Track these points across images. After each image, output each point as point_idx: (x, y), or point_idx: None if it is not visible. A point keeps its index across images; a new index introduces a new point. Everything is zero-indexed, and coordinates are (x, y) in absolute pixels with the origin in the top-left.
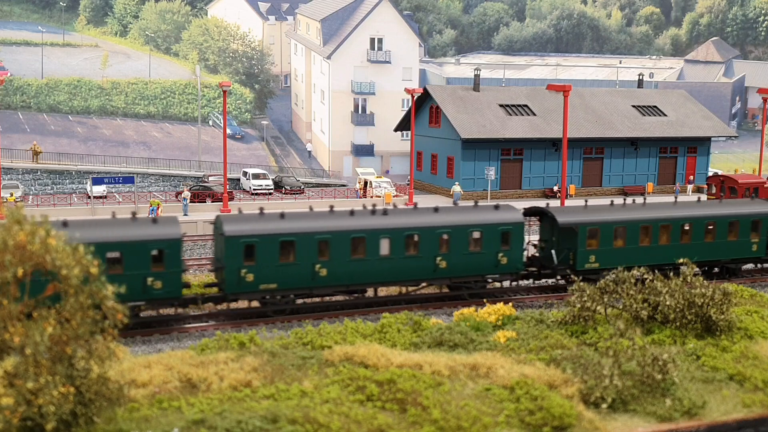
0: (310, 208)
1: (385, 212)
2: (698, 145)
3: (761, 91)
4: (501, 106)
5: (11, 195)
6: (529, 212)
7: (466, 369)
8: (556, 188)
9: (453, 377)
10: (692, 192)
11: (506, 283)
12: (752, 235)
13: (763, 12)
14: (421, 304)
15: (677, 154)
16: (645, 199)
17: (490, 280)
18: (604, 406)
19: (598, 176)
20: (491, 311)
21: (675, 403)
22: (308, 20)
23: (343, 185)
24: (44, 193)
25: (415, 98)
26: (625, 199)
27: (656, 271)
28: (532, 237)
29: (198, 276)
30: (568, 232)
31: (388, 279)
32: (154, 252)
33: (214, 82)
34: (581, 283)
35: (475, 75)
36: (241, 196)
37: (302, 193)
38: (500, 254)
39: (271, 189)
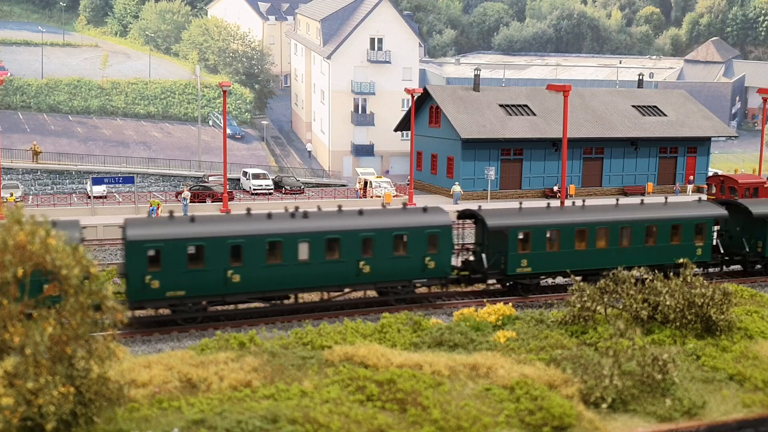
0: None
1: (305, 215)
2: (698, 145)
3: (761, 91)
4: (501, 106)
5: (11, 195)
6: (462, 215)
7: (466, 369)
8: (556, 188)
9: (453, 377)
10: (692, 192)
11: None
12: (696, 239)
13: (763, 12)
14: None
15: (677, 154)
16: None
17: (418, 285)
18: (604, 406)
19: (598, 176)
20: (491, 311)
21: (675, 403)
22: (308, 20)
23: (343, 185)
24: (44, 193)
25: (415, 98)
26: (554, 200)
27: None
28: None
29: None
30: (498, 235)
31: (308, 285)
32: None
33: (214, 82)
34: (581, 284)
35: (475, 75)
36: (241, 196)
37: (302, 193)
38: (427, 258)
39: (271, 189)
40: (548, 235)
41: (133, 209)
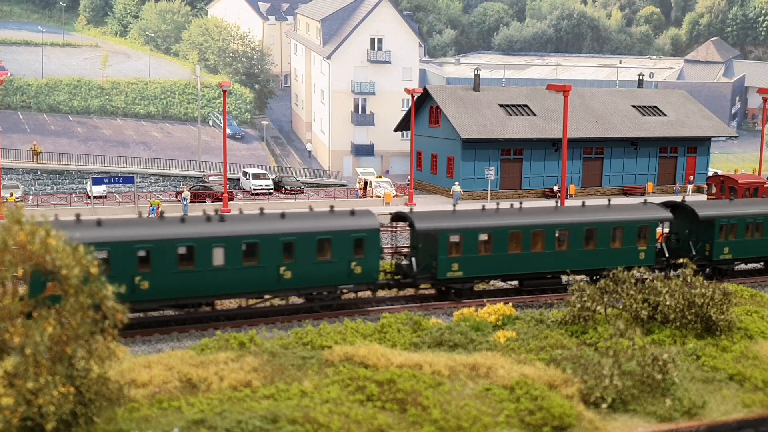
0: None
1: (222, 218)
2: (698, 145)
3: (761, 91)
4: (501, 106)
5: (11, 195)
6: (395, 218)
7: (466, 369)
8: (556, 188)
9: (453, 377)
10: (692, 192)
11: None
12: (639, 243)
13: (763, 12)
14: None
15: (677, 154)
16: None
17: (344, 291)
18: (604, 406)
19: (598, 176)
20: (491, 311)
21: (675, 403)
22: (308, 20)
23: (343, 185)
24: (44, 193)
25: (415, 98)
26: (498, 204)
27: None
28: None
29: None
30: (428, 239)
31: (224, 291)
32: None
33: (214, 82)
34: (581, 283)
35: (475, 75)
36: (241, 196)
37: (302, 193)
38: (353, 263)
39: (271, 189)
40: (480, 238)
41: (133, 209)
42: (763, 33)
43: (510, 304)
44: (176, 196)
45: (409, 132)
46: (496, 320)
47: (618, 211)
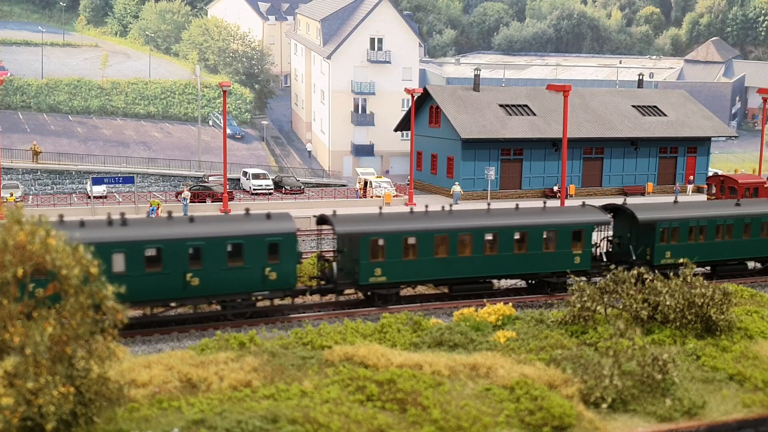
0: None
1: (123, 222)
2: (698, 145)
3: (761, 91)
4: (501, 106)
5: (11, 195)
6: (319, 221)
7: (466, 369)
8: (556, 188)
9: (453, 377)
10: (692, 192)
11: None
12: (574, 247)
13: (763, 12)
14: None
15: (677, 154)
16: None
17: (259, 298)
18: (604, 406)
19: (598, 176)
20: (491, 311)
21: (675, 403)
22: (308, 20)
23: (343, 185)
24: (44, 193)
25: (415, 98)
26: (427, 207)
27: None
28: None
29: None
30: (351, 242)
31: (125, 299)
32: None
33: (214, 82)
34: (581, 283)
35: (475, 75)
36: (241, 196)
37: (302, 193)
38: (268, 269)
39: (271, 189)
40: (405, 242)
41: (133, 209)
42: (763, 33)
43: (510, 304)
44: (176, 196)
45: (409, 132)
46: (496, 320)
47: (552, 214)
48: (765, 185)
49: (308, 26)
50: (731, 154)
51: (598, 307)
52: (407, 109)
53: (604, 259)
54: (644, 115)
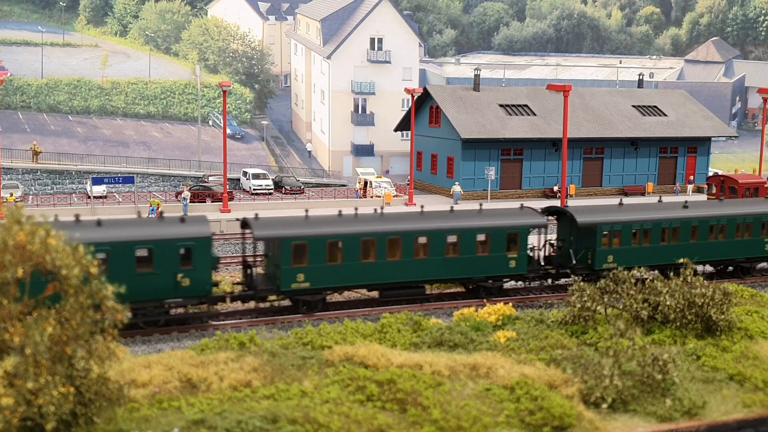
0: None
1: None
2: (698, 145)
3: (761, 91)
4: (501, 106)
5: (11, 195)
6: (242, 224)
7: (466, 369)
8: (556, 188)
9: (453, 377)
10: (692, 192)
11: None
12: (508, 250)
13: (763, 12)
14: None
15: (677, 154)
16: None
17: (171, 305)
18: (604, 406)
19: (599, 176)
20: (491, 311)
21: (675, 403)
22: (308, 20)
23: (343, 185)
24: (44, 193)
25: (415, 98)
26: (356, 210)
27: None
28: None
29: None
30: (272, 247)
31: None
32: None
33: (214, 82)
34: (581, 283)
35: (475, 75)
36: (241, 196)
37: (302, 193)
38: (180, 275)
39: (271, 189)
40: (328, 246)
41: (133, 209)
42: (763, 33)
43: (510, 304)
44: (176, 196)
45: (409, 132)
46: (496, 320)
47: (485, 217)
48: (765, 185)
49: (308, 26)
50: (731, 154)
51: (598, 307)
52: (407, 109)
53: (542, 263)
54: (644, 115)
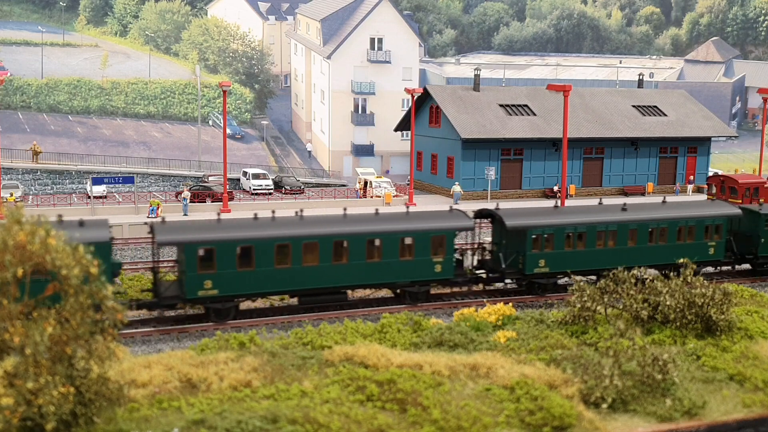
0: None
1: None
2: (698, 145)
3: (761, 91)
4: (501, 106)
5: (11, 195)
6: (149, 230)
7: (466, 369)
8: (556, 188)
9: (453, 377)
10: (692, 192)
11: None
12: (434, 254)
13: (763, 12)
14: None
15: (677, 154)
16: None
17: None
18: (605, 406)
19: (599, 176)
20: (491, 311)
21: (675, 403)
22: (308, 20)
23: (343, 185)
24: (44, 193)
25: (415, 98)
26: (274, 213)
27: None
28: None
29: None
30: (179, 253)
31: None
32: None
33: (214, 82)
34: (581, 284)
35: (475, 75)
36: (241, 196)
37: (302, 193)
38: None
39: (271, 189)
40: (238, 251)
41: (133, 209)
42: (763, 33)
43: (510, 304)
44: (176, 196)
45: (409, 132)
46: (496, 320)
47: (410, 220)
48: (765, 185)
49: (308, 26)
50: (731, 154)
51: (598, 307)
52: (407, 109)
53: (472, 267)
54: (644, 115)
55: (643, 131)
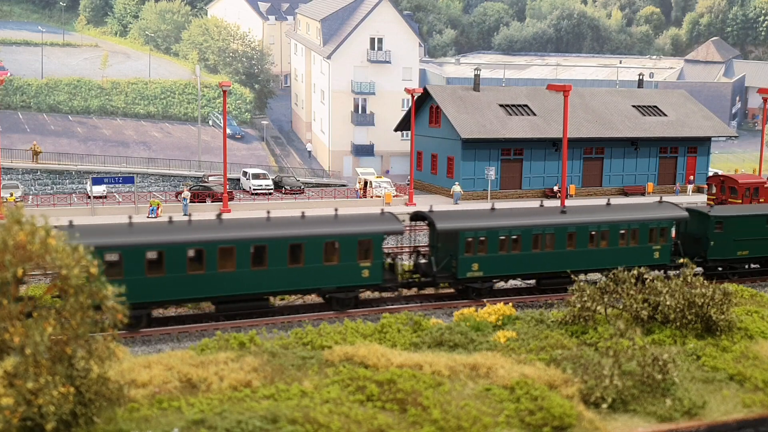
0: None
1: None
2: (698, 145)
3: (761, 91)
4: (501, 106)
5: (11, 195)
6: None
7: (466, 369)
8: (556, 188)
9: (453, 377)
10: (693, 192)
11: None
12: (361, 259)
13: (763, 12)
14: (422, 304)
15: (677, 154)
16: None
17: None
18: (604, 406)
19: (599, 176)
20: (491, 311)
21: (675, 403)
22: (308, 20)
23: (343, 185)
24: (44, 193)
25: (415, 98)
26: (187, 216)
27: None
28: None
29: None
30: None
31: None
32: None
33: (214, 82)
34: (581, 284)
35: (475, 75)
36: (241, 196)
37: (302, 193)
38: None
39: (271, 189)
40: (147, 257)
41: (133, 209)
42: (763, 33)
43: (510, 304)
44: (176, 196)
45: (409, 132)
46: (496, 320)
47: (335, 223)
48: (765, 185)
49: (308, 26)
50: (731, 154)
51: (598, 307)
52: (407, 109)
53: (407, 272)
54: (644, 115)
55: (643, 131)
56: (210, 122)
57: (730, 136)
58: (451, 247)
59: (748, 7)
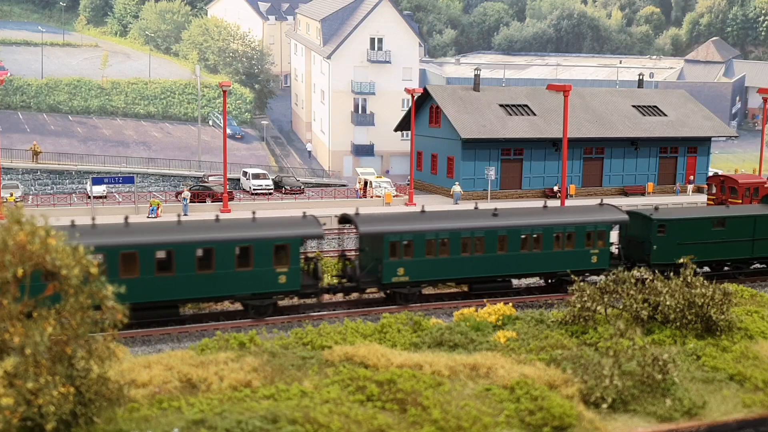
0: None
1: None
2: (698, 145)
3: (761, 91)
4: (501, 106)
5: (11, 195)
6: None
7: (466, 369)
8: (556, 188)
9: (453, 377)
10: (692, 192)
11: None
12: (278, 264)
13: (763, 12)
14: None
15: (677, 154)
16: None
17: None
18: (605, 406)
19: (599, 176)
20: (491, 311)
21: (675, 403)
22: (308, 20)
23: (343, 185)
24: (44, 193)
25: (415, 98)
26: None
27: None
28: None
29: None
30: None
31: None
32: None
33: (214, 82)
34: (581, 283)
35: (475, 75)
36: (241, 196)
37: (302, 193)
38: None
39: (271, 189)
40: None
41: (133, 209)
42: (763, 33)
43: (510, 304)
44: (176, 196)
45: (409, 132)
46: (496, 320)
47: (251, 227)
48: (765, 185)
49: (308, 26)
50: (731, 154)
51: (599, 307)
52: (407, 109)
53: (319, 276)
54: (644, 115)
55: (643, 131)
56: (210, 122)
57: (730, 136)
58: (377, 251)
59: (748, 7)
